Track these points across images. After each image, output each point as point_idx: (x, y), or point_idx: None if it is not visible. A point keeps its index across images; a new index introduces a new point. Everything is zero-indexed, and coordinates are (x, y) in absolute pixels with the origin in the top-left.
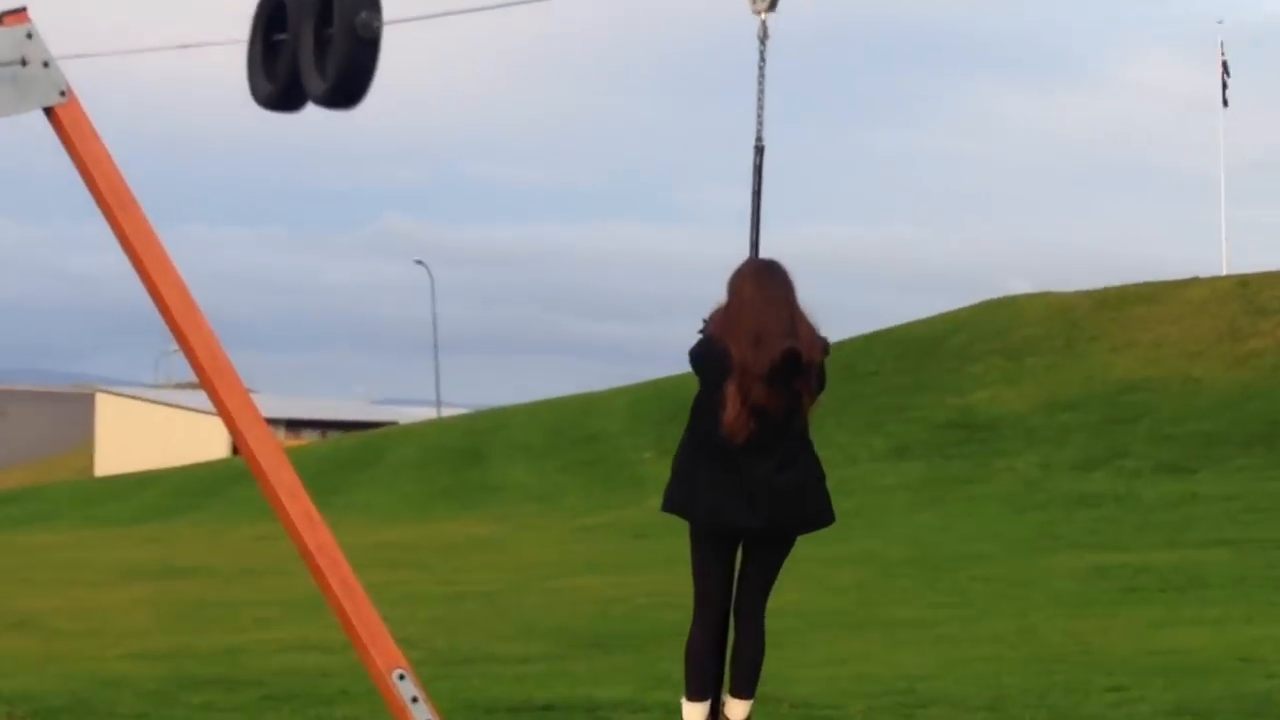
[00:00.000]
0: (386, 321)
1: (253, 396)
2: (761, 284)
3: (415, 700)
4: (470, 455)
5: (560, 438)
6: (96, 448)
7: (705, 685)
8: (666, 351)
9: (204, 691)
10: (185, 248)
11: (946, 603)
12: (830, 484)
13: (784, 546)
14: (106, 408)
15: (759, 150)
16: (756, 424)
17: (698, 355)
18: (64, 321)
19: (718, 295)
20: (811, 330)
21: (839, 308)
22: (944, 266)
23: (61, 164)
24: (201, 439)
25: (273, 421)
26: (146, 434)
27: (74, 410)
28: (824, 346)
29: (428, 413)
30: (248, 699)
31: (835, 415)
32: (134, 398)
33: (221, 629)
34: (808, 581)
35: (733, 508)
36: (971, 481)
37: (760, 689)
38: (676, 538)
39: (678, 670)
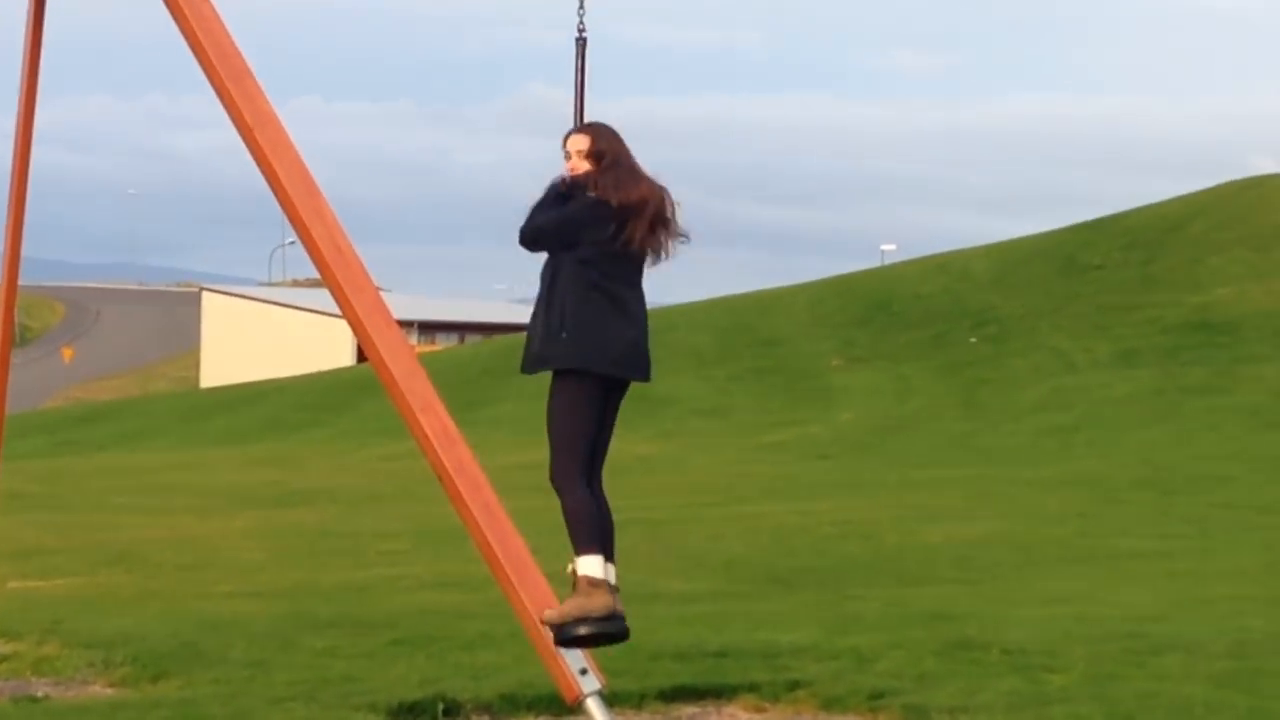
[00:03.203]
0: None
1: (382, 296)
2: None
3: None
4: None
5: (733, 341)
6: (203, 355)
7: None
8: (856, 242)
9: (327, 635)
10: (299, 124)
11: (1181, 533)
12: (1046, 393)
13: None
14: (214, 309)
15: (581, 41)
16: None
17: (589, 218)
18: (165, 211)
19: (912, 174)
20: None
21: (1055, 191)
22: (1180, 143)
23: (161, 31)
24: (323, 344)
25: (404, 324)
26: (260, 339)
27: (177, 312)
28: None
29: None
30: (377, 643)
31: (1052, 316)
32: (245, 297)
33: (346, 563)
34: (1020, 508)
35: (631, 355)
36: (1211, 392)
37: (966, 632)
38: (864, 458)
39: (871, 610)
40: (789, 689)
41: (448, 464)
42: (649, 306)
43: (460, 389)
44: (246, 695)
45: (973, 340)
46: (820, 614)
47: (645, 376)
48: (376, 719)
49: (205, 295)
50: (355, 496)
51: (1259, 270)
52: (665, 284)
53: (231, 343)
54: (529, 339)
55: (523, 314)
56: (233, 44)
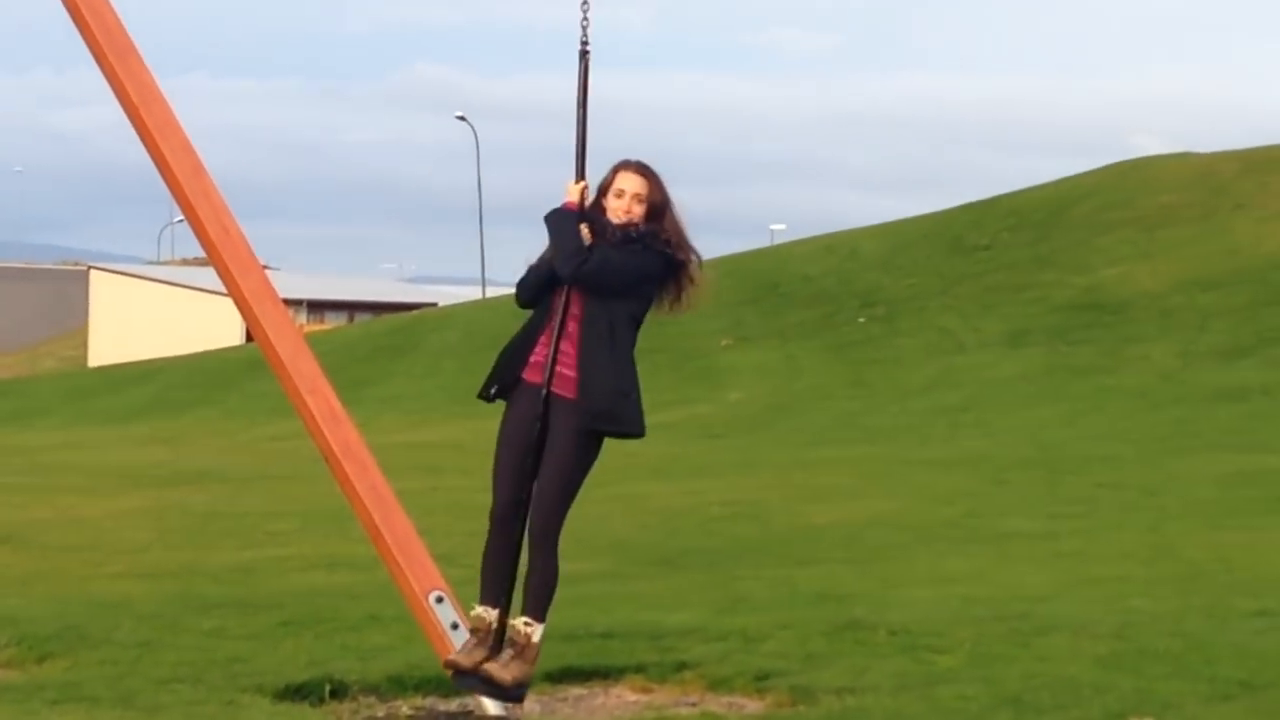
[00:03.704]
0: (420, 188)
1: (269, 274)
2: None
3: (455, 626)
4: None
5: None
6: (90, 334)
7: None
8: (744, 221)
9: (214, 616)
10: (186, 101)
11: (1068, 513)
12: (935, 373)
13: None
14: (102, 288)
15: (584, 55)
16: None
17: (660, 273)
18: (52, 188)
19: (802, 152)
20: None
21: (944, 171)
22: (1066, 123)
23: (46, 5)
24: (211, 323)
25: (292, 303)
26: (148, 318)
27: (64, 291)
28: None
29: (471, 292)
30: (264, 624)
31: (940, 296)
32: (133, 276)
33: (234, 544)
34: (908, 488)
35: None
36: (1098, 372)
37: (854, 613)
38: (753, 438)
39: (758, 591)
40: (676, 670)
41: (334, 445)
42: None
43: (349, 368)
44: (133, 676)
45: (861, 320)
46: (708, 595)
47: None
48: (264, 700)
49: (93, 274)
50: (243, 476)
51: (1146, 251)
52: None
53: (119, 321)
54: (591, 387)
55: (413, 293)
56: (117, 20)
